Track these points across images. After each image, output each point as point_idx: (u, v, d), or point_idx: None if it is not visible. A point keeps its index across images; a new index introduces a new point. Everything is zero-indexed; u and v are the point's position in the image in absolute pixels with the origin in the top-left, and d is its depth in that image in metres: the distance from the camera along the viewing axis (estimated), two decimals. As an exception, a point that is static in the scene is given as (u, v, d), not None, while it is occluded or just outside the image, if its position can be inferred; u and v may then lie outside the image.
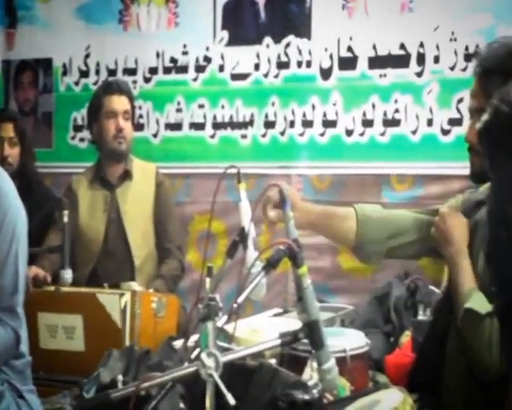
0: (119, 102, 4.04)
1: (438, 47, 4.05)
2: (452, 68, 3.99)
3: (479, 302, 2.13)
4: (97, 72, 4.86)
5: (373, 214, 2.47)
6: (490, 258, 1.75)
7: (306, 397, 1.89)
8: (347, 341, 2.22)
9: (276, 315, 3.35)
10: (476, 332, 2.11)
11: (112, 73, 4.80)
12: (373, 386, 2.19)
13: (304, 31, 4.36)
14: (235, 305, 1.85)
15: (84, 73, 4.90)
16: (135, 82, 4.73)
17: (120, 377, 2.33)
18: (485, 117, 1.69)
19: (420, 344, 2.55)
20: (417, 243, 2.45)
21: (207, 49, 4.60)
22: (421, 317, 3.19)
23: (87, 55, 4.89)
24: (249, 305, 3.81)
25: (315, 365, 1.89)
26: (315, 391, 1.90)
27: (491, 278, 1.88)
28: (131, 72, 4.77)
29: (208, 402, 1.72)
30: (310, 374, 2.02)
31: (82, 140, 4.88)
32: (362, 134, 4.22)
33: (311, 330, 1.82)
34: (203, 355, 1.70)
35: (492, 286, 1.87)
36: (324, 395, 1.93)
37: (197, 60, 4.63)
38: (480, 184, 2.39)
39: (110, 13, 4.82)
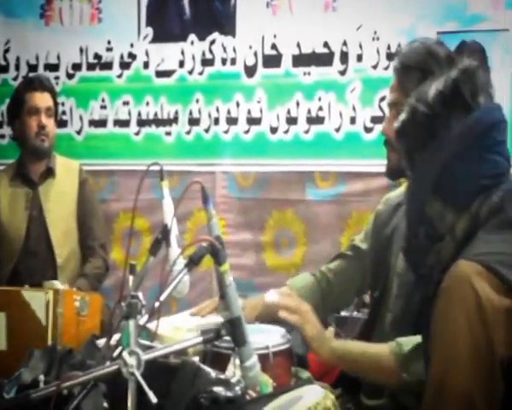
0: (42, 99, 3.97)
1: (361, 46, 4.10)
2: (375, 67, 4.04)
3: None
4: (17, 67, 4.78)
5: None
6: (408, 255, 1.78)
7: (229, 394, 1.89)
8: (270, 338, 2.23)
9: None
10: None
11: (33, 68, 4.73)
12: (295, 382, 2.20)
13: (228, 28, 4.37)
14: (157, 303, 1.85)
15: (4, 68, 4.81)
16: (57, 78, 4.66)
17: (42, 377, 2.29)
18: (402, 116, 1.72)
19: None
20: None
21: (132, 45, 4.57)
22: (343, 313, 3.23)
23: (6, 50, 4.81)
24: (174, 303, 3.80)
25: (238, 362, 1.90)
26: (237, 388, 1.90)
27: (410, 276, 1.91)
28: (53, 67, 4.70)
29: (130, 401, 1.71)
30: (233, 371, 2.03)
31: (2, 136, 4.80)
32: (286, 132, 4.24)
33: (234, 328, 1.82)
34: (125, 354, 1.69)
35: (411, 284, 1.90)
36: (247, 392, 1.93)
37: (122, 56, 4.59)
38: (396, 180, 2.43)
39: (31, 7, 4.75)
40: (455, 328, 1.49)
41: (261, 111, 4.30)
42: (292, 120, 4.23)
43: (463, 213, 1.64)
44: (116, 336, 2.22)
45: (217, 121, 4.39)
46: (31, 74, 4.62)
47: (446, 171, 1.64)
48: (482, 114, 1.66)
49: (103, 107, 4.64)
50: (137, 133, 4.58)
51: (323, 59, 4.17)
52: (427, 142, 1.66)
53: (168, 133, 4.51)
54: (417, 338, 2.08)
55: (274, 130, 4.27)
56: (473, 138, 1.64)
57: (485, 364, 1.46)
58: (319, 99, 4.18)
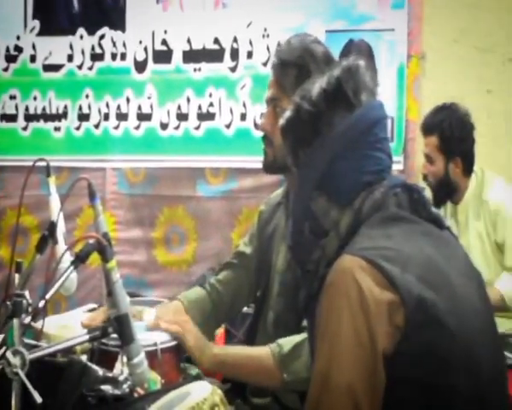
0: None
1: (251, 43, 4.13)
2: (265, 64, 4.08)
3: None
4: None
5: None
6: (294, 251, 1.80)
7: (116, 392, 1.87)
8: (158, 335, 2.22)
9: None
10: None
11: None
12: (184, 379, 2.20)
13: (118, 23, 4.34)
14: (42, 301, 1.82)
15: None
16: None
17: None
18: (287, 114, 1.73)
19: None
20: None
21: (18, 38, 4.47)
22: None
23: None
24: (64, 300, 3.75)
25: (125, 359, 1.88)
26: (125, 386, 1.89)
27: (296, 272, 1.93)
28: None
29: (14, 401, 1.68)
30: (120, 369, 2.01)
31: None
32: (177, 128, 4.24)
33: (121, 325, 1.80)
34: (8, 353, 1.66)
35: (296, 281, 1.92)
36: (135, 390, 1.92)
37: (8, 49, 4.49)
38: (272, 175, 2.44)
39: None
40: (338, 321, 1.51)
41: (151, 107, 4.28)
42: (182, 116, 4.23)
43: (347, 209, 1.66)
44: (1, 336, 2.17)
45: (107, 117, 4.35)
46: None
47: (330, 168, 1.66)
48: (364, 111, 1.69)
49: (-11, 101, 4.54)
50: (25, 128, 4.49)
51: (214, 55, 4.19)
52: (312, 139, 1.68)
53: (57, 129, 4.43)
54: (297, 338, 2.12)
55: (164, 126, 4.26)
56: (355, 135, 1.67)
57: (368, 356, 1.49)
58: (210, 95, 4.19)
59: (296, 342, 2.11)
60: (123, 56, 4.32)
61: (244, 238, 2.57)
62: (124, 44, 4.31)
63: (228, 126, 4.16)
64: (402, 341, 1.51)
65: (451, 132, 3.43)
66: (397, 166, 3.95)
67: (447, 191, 3.48)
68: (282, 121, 1.75)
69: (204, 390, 1.84)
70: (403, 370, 1.52)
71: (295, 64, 2.23)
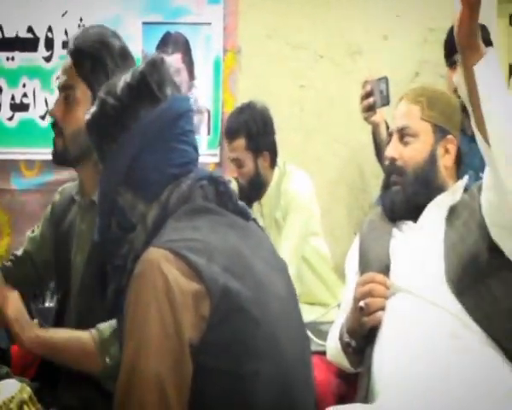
0: None
1: (66, 32, 4.06)
2: (81, 55, 4.02)
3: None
4: None
5: None
6: (102, 247, 1.79)
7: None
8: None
9: None
10: None
11: None
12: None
13: None
14: None
15: None
16: None
17: None
18: (92, 109, 1.73)
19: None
20: None
21: None
22: (47, 304, 3.19)
23: None
24: None
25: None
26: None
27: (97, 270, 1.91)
28: None
29: None
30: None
31: None
32: (-12, 118, 4.11)
33: None
34: None
35: (97, 279, 1.90)
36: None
37: None
38: (62, 166, 2.35)
39: None
40: (145, 312, 1.52)
41: (-36, 96, 4.13)
42: (-6, 107, 4.10)
43: (154, 203, 1.68)
44: None
45: None
46: None
47: (136, 162, 1.67)
48: (169, 104, 1.70)
49: None
50: None
51: (28, 44, 4.08)
52: (117, 134, 1.68)
53: None
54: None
55: (-24, 116, 4.11)
56: (160, 128, 1.68)
57: (174, 346, 1.51)
58: (23, 85, 4.09)
59: (116, 327, 2.09)
60: None
61: (32, 233, 2.48)
62: None
63: (43, 118, 4.06)
64: (208, 331, 1.54)
65: (257, 129, 3.49)
66: (213, 159, 4.01)
67: (259, 188, 3.54)
68: (87, 117, 1.74)
69: (12, 388, 1.80)
70: (209, 359, 1.55)
71: (91, 55, 2.19)
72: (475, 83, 1.82)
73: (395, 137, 2.26)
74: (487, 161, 1.92)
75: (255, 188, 3.52)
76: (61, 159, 2.25)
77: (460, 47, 1.83)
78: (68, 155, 2.20)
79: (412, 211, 2.21)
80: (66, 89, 2.23)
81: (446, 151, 2.25)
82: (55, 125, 2.25)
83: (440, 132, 2.24)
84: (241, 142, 3.48)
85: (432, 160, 2.23)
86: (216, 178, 1.73)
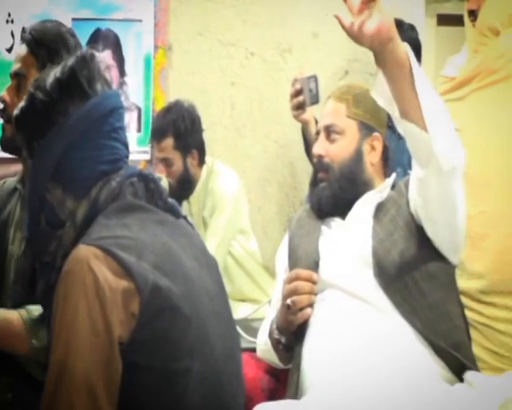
0: None
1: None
2: (9, 50, 3.96)
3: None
4: None
5: None
6: (31, 243, 1.78)
7: None
8: None
9: None
10: None
11: None
12: None
13: None
14: None
15: None
16: None
17: None
18: (21, 104, 1.71)
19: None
20: None
21: None
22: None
23: None
24: None
25: None
26: None
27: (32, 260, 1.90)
28: None
29: None
30: None
31: None
32: None
33: None
34: None
35: (32, 269, 1.89)
36: None
37: None
38: (12, 154, 2.35)
39: None
40: (75, 310, 1.51)
41: None
42: None
43: (83, 200, 1.67)
44: None
45: None
46: None
47: (65, 158, 1.66)
48: (99, 100, 1.69)
49: None
50: None
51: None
52: (47, 129, 1.67)
53: None
54: None
55: None
56: (90, 125, 1.67)
57: (104, 344, 1.50)
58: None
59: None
60: None
61: None
62: None
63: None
64: (138, 328, 1.54)
65: (185, 127, 3.48)
66: (144, 157, 3.99)
67: (188, 187, 3.53)
68: (16, 112, 1.72)
69: None
70: (139, 356, 1.55)
71: (48, 47, 2.20)
72: (401, 73, 1.86)
73: (322, 135, 2.29)
74: (420, 150, 1.96)
75: (184, 187, 3.51)
76: (8, 146, 2.26)
77: (384, 40, 1.86)
78: (16, 143, 2.19)
79: (340, 207, 2.24)
80: (17, 76, 2.23)
81: (372, 148, 2.28)
82: (4, 111, 2.23)
83: (366, 130, 2.28)
84: (169, 141, 3.46)
85: (358, 156, 2.26)
86: (146, 176, 1.72)
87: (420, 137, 1.91)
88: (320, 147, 2.27)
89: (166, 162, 3.48)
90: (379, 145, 2.29)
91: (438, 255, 2.09)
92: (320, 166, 2.27)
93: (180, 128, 3.46)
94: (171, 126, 3.45)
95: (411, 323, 1.99)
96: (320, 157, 2.27)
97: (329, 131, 2.27)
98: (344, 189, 2.23)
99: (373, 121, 2.29)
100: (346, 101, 2.28)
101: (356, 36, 1.84)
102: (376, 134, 2.29)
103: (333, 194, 2.24)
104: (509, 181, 2.80)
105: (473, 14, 2.89)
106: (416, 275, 2.04)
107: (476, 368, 2.00)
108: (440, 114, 1.93)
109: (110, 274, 1.53)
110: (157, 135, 3.50)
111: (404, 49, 1.87)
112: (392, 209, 2.15)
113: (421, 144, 1.94)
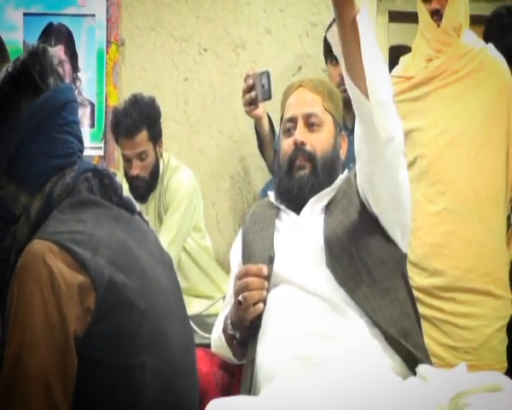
0: None
1: None
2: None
3: None
4: None
5: None
6: None
7: None
8: None
9: None
10: None
11: None
12: None
13: None
14: None
15: None
16: None
17: None
18: None
19: None
20: None
21: None
22: None
23: None
24: None
25: None
26: None
27: None
28: None
29: None
30: None
31: None
32: None
33: None
34: None
35: None
36: None
37: None
38: None
39: None
40: (30, 306, 1.50)
41: None
42: None
43: (37, 195, 1.66)
44: None
45: None
46: None
47: (18, 153, 1.65)
48: (52, 94, 1.68)
49: None
50: None
51: None
52: (1, 121, 1.66)
53: None
54: None
55: None
56: (42, 119, 1.66)
57: (59, 339, 1.50)
58: None
59: None
60: None
61: None
62: None
63: None
64: (93, 323, 1.54)
65: (155, 117, 3.46)
66: (97, 152, 3.97)
67: (157, 175, 3.51)
68: None
69: None
70: (95, 351, 1.55)
71: None
72: (353, 35, 1.88)
73: (301, 123, 2.26)
74: (362, 115, 1.98)
75: (155, 176, 3.50)
76: None
77: (337, 2, 1.87)
78: None
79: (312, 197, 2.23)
80: None
81: (341, 145, 2.30)
82: None
83: (338, 126, 2.30)
84: (144, 134, 3.42)
85: (335, 150, 2.27)
86: (101, 171, 1.72)
87: (363, 104, 1.93)
88: (301, 134, 2.24)
89: (142, 156, 3.44)
90: (344, 145, 2.31)
91: (389, 242, 2.10)
92: (301, 153, 2.24)
93: (152, 118, 3.44)
94: (144, 119, 3.41)
95: (364, 310, 2.00)
96: (302, 144, 2.24)
97: (310, 120, 2.26)
98: (325, 179, 2.23)
99: (340, 119, 2.31)
100: (322, 94, 2.28)
101: None
102: (343, 132, 2.32)
103: (316, 182, 2.22)
104: (471, 178, 2.85)
105: (437, 13, 2.91)
106: (369, 261, 2.05)
107: (426, 357, 2.02)
108: (381, 83, 1.94)
109: (66, 269, 1.53)
110: (130, 131, 3.42)
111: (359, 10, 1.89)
112: (344, 200, 2.16)
113: (363, 111, 1.95)
